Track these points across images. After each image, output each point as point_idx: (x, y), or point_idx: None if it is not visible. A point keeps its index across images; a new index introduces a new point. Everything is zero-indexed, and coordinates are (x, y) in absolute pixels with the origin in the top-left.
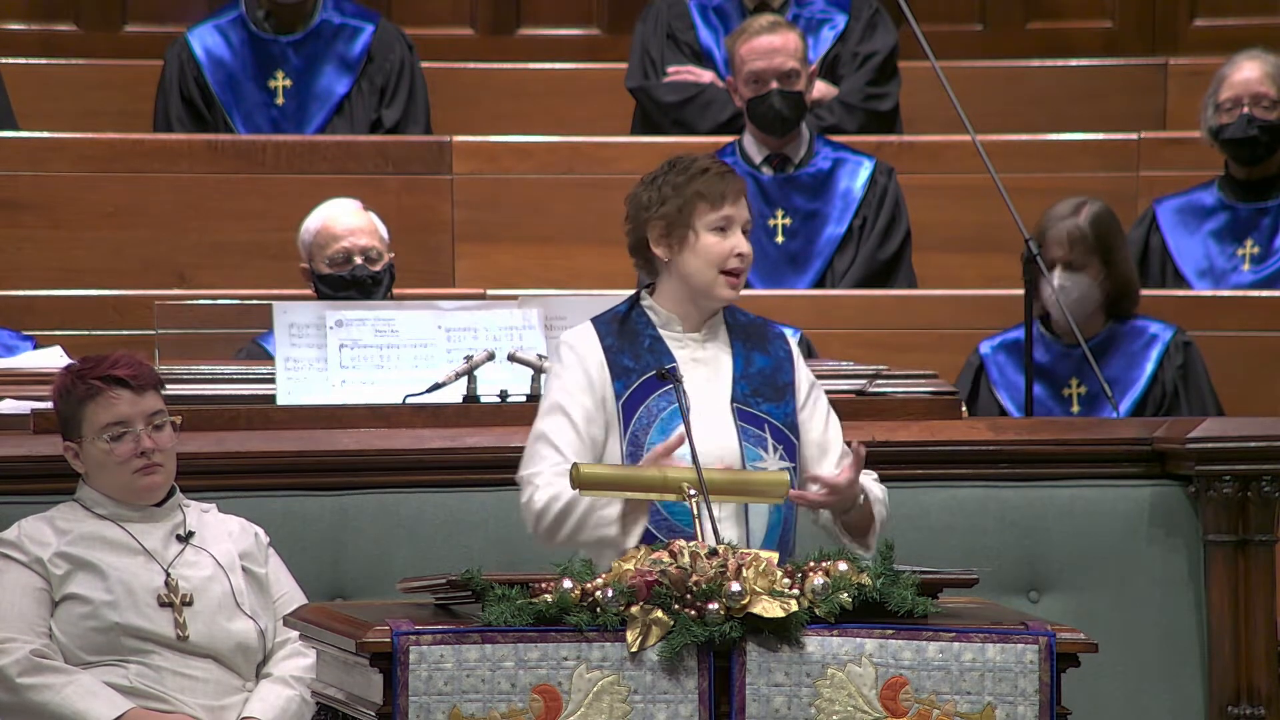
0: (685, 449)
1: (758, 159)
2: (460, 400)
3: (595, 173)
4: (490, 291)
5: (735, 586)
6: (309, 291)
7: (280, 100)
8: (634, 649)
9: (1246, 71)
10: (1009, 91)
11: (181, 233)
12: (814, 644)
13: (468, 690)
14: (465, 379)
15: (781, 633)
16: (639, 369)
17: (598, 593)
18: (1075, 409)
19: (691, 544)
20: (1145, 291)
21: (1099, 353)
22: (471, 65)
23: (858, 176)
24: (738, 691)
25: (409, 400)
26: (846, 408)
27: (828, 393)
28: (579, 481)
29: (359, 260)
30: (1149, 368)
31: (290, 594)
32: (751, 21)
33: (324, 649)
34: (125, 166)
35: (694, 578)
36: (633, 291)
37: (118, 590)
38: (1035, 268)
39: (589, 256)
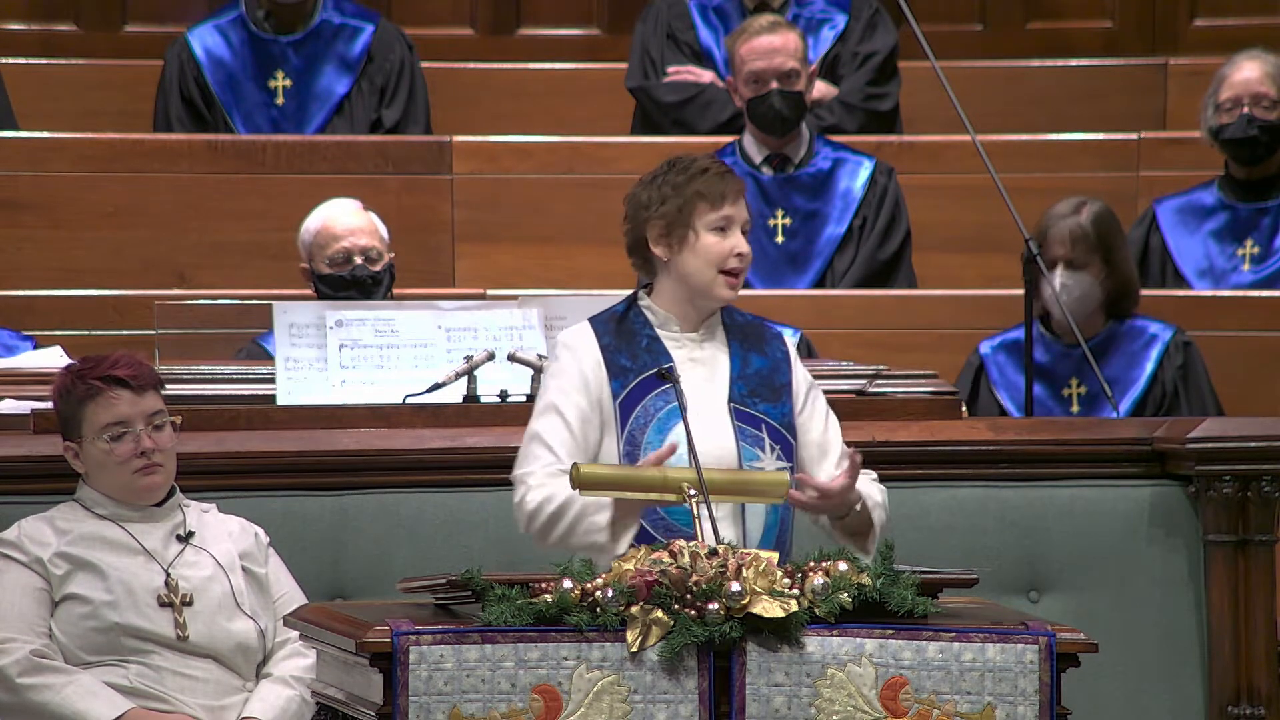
0: (684, 449)
1: (758, 159)
2: (460, 400)
3: (595, 173)
4: (490, 291)
5: (735, 586)
6: (309, 291)
7: (280, 100)
8: (634, 649)
9: (1246, 71)
10: (1009, 91)
11: (181, 233)
12: (814, 644)
13: (468, 690)
14: (465, 379)
15: (781, 633)
16: (636, 368)
17: (598, 593)
18: (1075, 409)
19: (691, 544)
20: (1145, 291)
21: (1099, 353)
22: (471, 65)
23: (858, 176)
24: (738, 691)
25: (409, 400)
26: (846, 408)
27: (828, 393)
28: (579, 481)
29: (359, 260)
30: (1149, 368)
31: (290, 594)
32: (751, 21)
33: (324, 649)
34: (125, 166)
35: (694, 578)
36: (630, 291)
37: (118, 590)
38: (1035, 268)
39: (589, 256)
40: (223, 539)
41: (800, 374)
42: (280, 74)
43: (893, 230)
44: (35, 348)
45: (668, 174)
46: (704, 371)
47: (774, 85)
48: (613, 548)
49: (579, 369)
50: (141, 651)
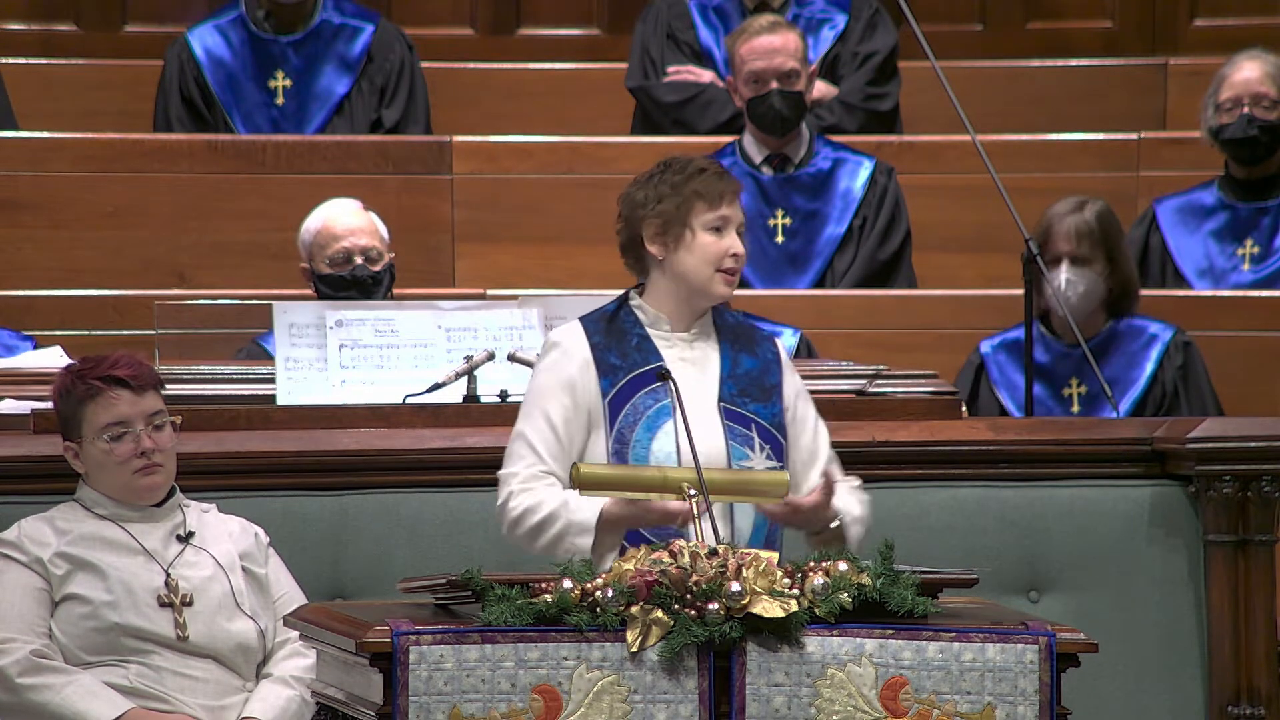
0: (689, 453)
1: (758, 159)
2: (460, 400)
3: (595, 173)
4: (490, 291)
5: (735, 586)
6: (309, 291)
7: (280, 100)
8: (634, 649)
9: (1246, 71)
10: (1009, 91)
11: (181, 233)
12: (814, 644)
13: (468, 690)
14: (465, 379)
15: (781, 633)
16: (626, 367)
17: (598, 593)
18: (1075, 409)
19: (691, 544)
20: (1145, 291)
21: (1099, 352)
22: (471, 65)
23: (858, 176)
24: (738, 691)
25: (409, 400)
26: (846, 408)
27: (828, 393)
28: (579, 481)
29: (359, 260)
30: (1149, 368)
31: (290, 594)
32: (751, 21)
33: (324, 649)
34: (125, 166)
35: (694, 578)
36: (622, 291)
37: (118, 590)
38: (1035, 268)
39: (589, 256)
40: (223, 539)
41: (791, 378)
42: (280, 74)
43: (893, 230)
44: (35, 348)
45: (664, 173)
46: (694, 371)
47: (774, 85)
48: (596, 565)
49: (566, 368)
50: (141, 651)
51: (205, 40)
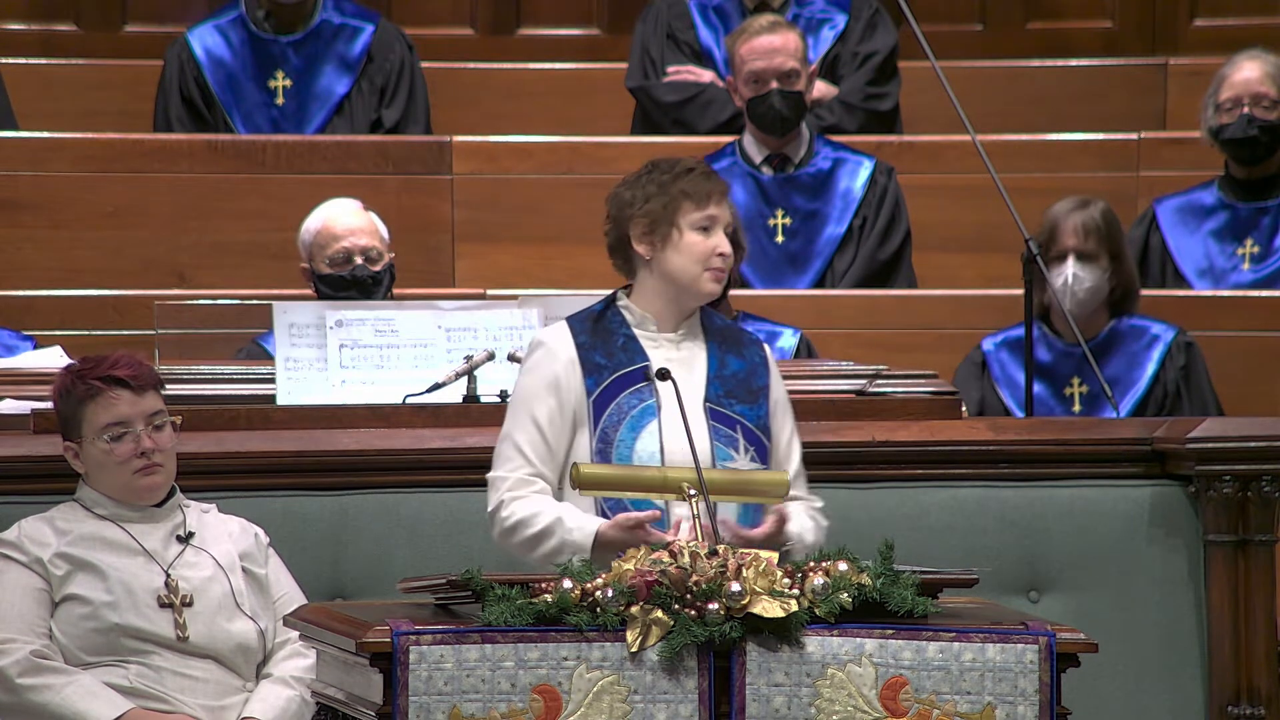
0: (672, 453)
1: (758, 159)
2: (460, 400)
3: (595, 173)
4: (490, 291)
5: (735, 586)
6: (309, 291)
7: (280, 100)
8: (634, 649)
9: (1246, 71)
10: (1009, 91)
11: (181, 233)
12: (814, 644)
13: (468, 690)
14: (465, 379)
15: (781, 633)
16: (611, 367)
17: (598, 593)
18: (1076, 408)
19: (691, 544)
20: (1145, 291)
21: (1101, 352)
22: (471, 65)
23: (858, 176)
24: (738, 691)
25: (409, 400)
26: (846, 408)
27: (828, 393)
28: (580, 481)
29: (359, 260)
30: (1151, 368)
31: (290, 594)
32: (751, 21)
33: (324, 649)
34: (125, 166)
35: (694, 578)
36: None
37: (118, 591)
38: (1035, 267)
39: (589, 256)
40: (223, 539)
41: (778, 386)
42: (280, 74)
43: (893, 230)
44: (35, 348)
45: (651, 173)
46: (681, 371)
47: (774, 85)
48: None
49: (551, 368)
50: (141, 652)
51: (205, 40)
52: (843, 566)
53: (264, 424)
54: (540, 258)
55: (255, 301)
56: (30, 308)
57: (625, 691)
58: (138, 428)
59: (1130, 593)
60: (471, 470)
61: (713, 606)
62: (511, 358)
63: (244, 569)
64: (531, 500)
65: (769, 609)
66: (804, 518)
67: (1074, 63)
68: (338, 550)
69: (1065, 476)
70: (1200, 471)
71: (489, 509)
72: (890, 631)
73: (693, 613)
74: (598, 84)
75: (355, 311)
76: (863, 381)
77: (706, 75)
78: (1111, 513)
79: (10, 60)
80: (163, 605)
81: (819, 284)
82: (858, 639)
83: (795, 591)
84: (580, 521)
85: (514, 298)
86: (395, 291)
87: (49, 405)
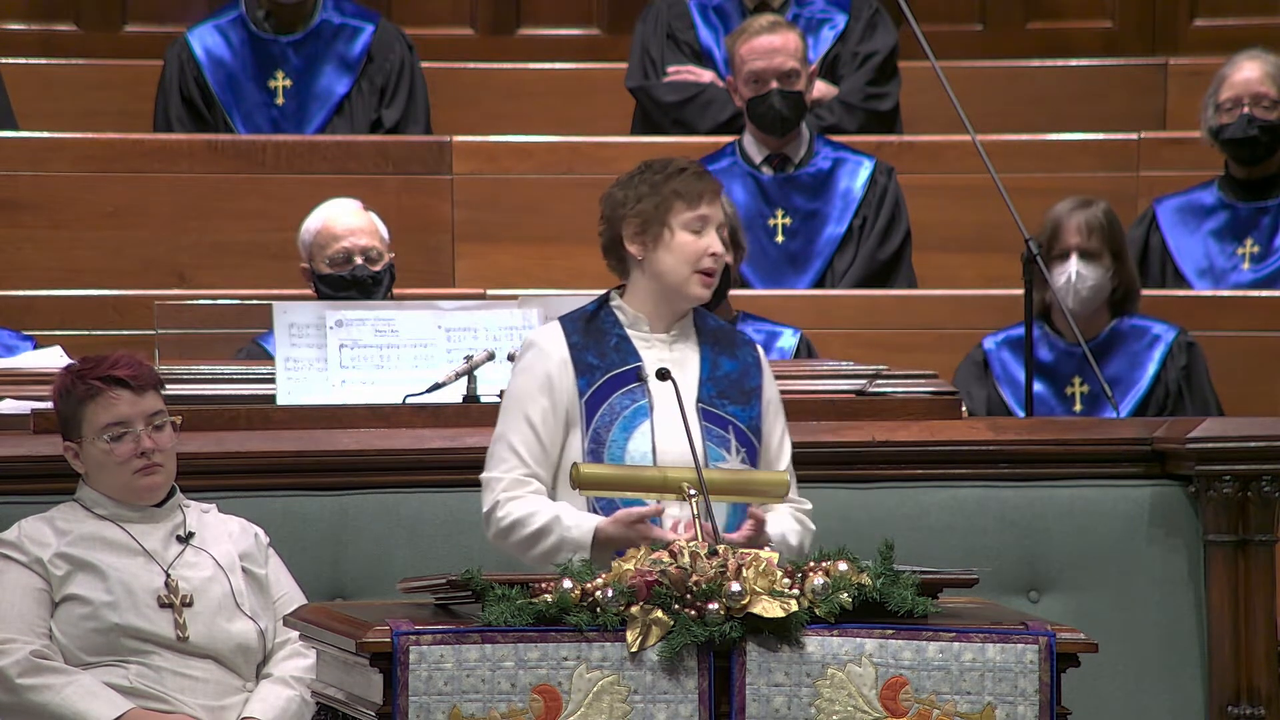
0: (664, 453)
1: (758, 159)
2: (460, 400)
3: (595, 173)
4: (490, 291)
5: (735, 586)
6: (309, 291)
7: (280, 100)
8: (634, 649)
9: (1246, 71)
10: (1009, 91)
11: (181, 233)
12: (814, 644)
13: (468, 690)
14: (465, 379)
15: (781, 633)
16: (603, 367)
17: (598, 593)
18: (1078, 408)
19: (691, 544)
20: (1145, 291)
21: (1102, 352)
22: (471, 65)
23: (858, 176)
24: (738, 691)
25: (409, 400)
26: (846, 408)
27: (828, 393)
28: (580, 481)
29: (359, 260)
30: (1152, 368)
31: (290, 594)
32: (751, 21)
33: (324, 649)
34: (125, 166)
35: (694, 578)
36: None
37: (118, 591)
38: (1035, 267)
39: (589, 256)
40: (223, 539)
41: (770, 386)
42: (280, 74)
43: (893, 230)
44: (35, 348)
45: (644, 173)
46: (673, 372)
47: (774, 85)
48: None
49: (544, 368)
50: (141, 652)
51: (205, 40)
52: (843, 566)
53: (264, 424)
54: (540, 258)
55: (255, 301)
56: (30, 308)
57: (625, 691)
58: (138, 428)
59: (1130, 593)
60: (471, 470)
61: (713, 606)
62: (511, 358)
63: (244, 569)
64: (527, 500)
65: (769, 609)
66: (788, 520)
67: (1074, 63)
68: (338, 550)
69: (1065, 476)
70: (1200, 471)
71: (484, 510)
72: (890, 631)
73: (693, 613)
74: (598, 84)
75: (355, 311)
76: (863, 381)
77: (706, 75)
78: (1111, 513)
79: (10, 60)
80: (163, 605)
81: (819, 284)
82: (858, 639)
83: (795, 591)
84: (578, 519)
85: (514, 298)
86: (395, 291)
87: (49, 405)
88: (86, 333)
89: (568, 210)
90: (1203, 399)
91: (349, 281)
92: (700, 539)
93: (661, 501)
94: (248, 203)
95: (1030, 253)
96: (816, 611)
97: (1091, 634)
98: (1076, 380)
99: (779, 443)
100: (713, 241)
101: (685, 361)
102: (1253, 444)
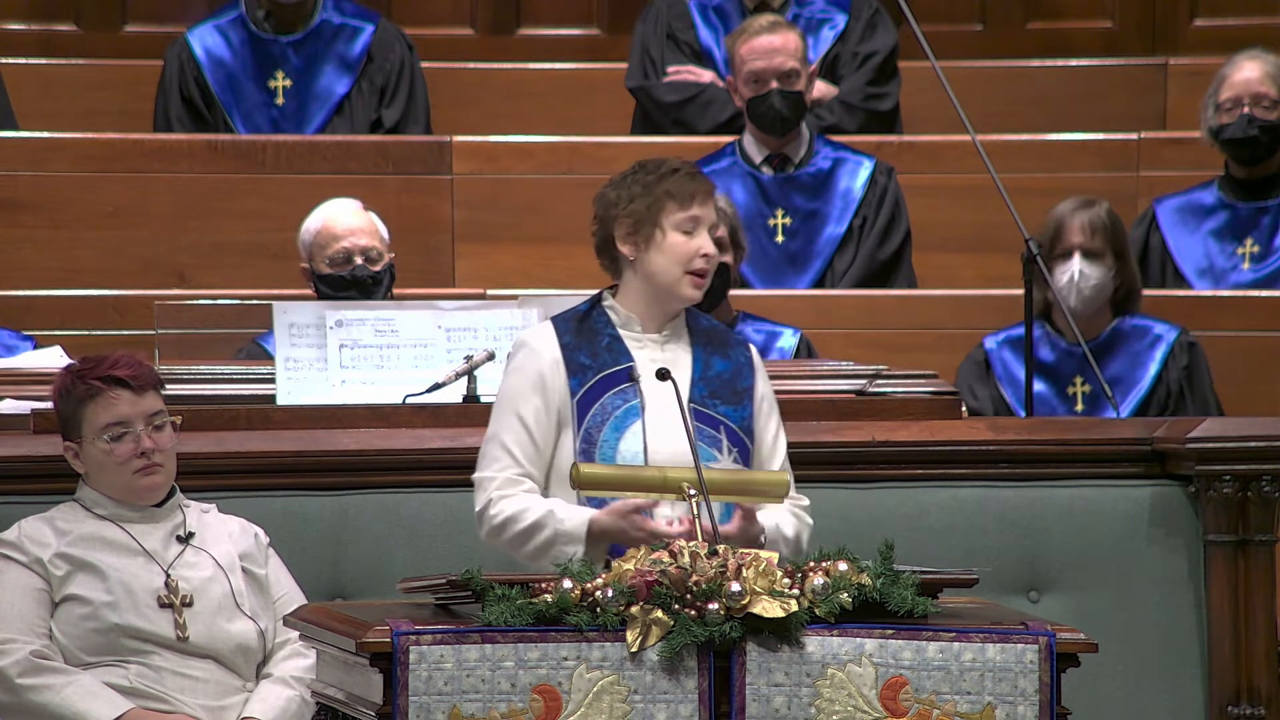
0: (656, 453)
1: (758, 159)
2: (460, 400)
3: (595, 173)
4: (490, 291)
5: (735, 586)
6: (309, 291)
7: (280, 100)
8: (634, 649)
9: (1246, 71)
10: (1009, 91)
11: (181, 233)
12: (814, 644)
13: (468, 690)
14: (465, 379)
15: (781, 633)
16: (595, 367)
17: (598, 593)
18: (1079, 407)
19: (691, 544)
20: (1146, 291)
21: (1104, 351)
22: (471, 65)
23: (858, 176)
24: (738, 691)
25: (409, 400)
26: (846, 408)
27: (828, 393)
28: (580, 481)
29: (359, 260)
30: (1154, 368)
31: (290, 594)
32: (751, 21)
33: (324, 649)
34: (125, 166)
35: (694, 578)
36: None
37: (118, 591)
38: (1035, 267)
39: (589, 256)
40: (223, 540)
41: (763, 385)
42: (280, 74)
43: (893, 230)
44: (35, 348)
45: (637, 174)
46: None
47: (774, 85)
48: None
49: (536, 368)
50: (141, 652)
51: (205, 40)
52: (843, 566)
53: (264, 424)
54: (540, 258)
55: (255, 301)
56: (30, 308)
57: (625, 691)
58: (138, 428)
59: (1130, 593)
60: (471, 470)
61: (713, 606)
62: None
63: (244, 569)
64: (520, 497)
65: (769, 609)
66: (783, 512)
67: (1074, 63)
68: (338, 550)
69: (1065, 476)
70: (1200, 471)
71: (476, 509)
72: (890, 631)
73: (693, 613)
74: (598, 84)
75: (355, 311)
76: (863, 381)
77: (706, 75)
78: (1111, 513)
79: (10, 60)
80: (163, 605)
81: (819, 284)
82: (858, 639)
83: (795, 591)
84: (571, 512)
85: (514, 298)
86: (395, 291)
87: (49, 405)
88: (86, 333)
89: (568, 210)
90: (1204, 399)
91: (349, 281)
92: (700, 539)
93: (660, 501)
94: (248, 203)
95: (1030, 253)
96: (816, 611)
97: (1091, 634)
98: (1078, 380)
99: (773, 440)
100: (704, 243)
101: (677, 362)
102: (1253, 444)
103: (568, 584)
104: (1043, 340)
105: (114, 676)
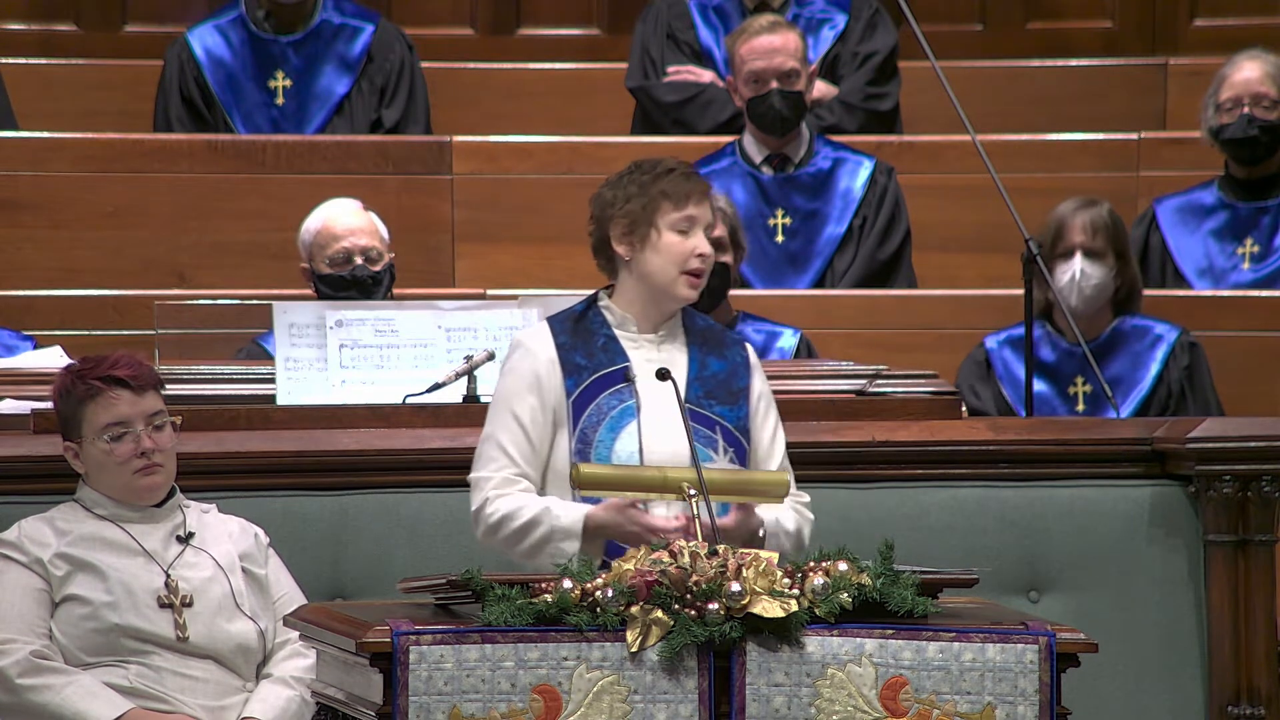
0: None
1: (758, 159)
2: (460, 400)
3: (595, 173)
4: (490, 291)
5: (735, 586)
6: (309, 291)
7: (280, 100)
8: (634, 649)
9: (1247, 71)
10: (1009, 91)
11: (181, 233)
12: (814, 644)
13: (468, 690)
14: (465, 379)
15: (781, 633)
16: (591, 367)
17: (598, 593)
18: (1081, 407)
19: (691, 544)
20: (1146, 291)
21: (1105, 351)
22: (471, 65)
23: (858, 176)
24: (738, 691)
25: (409, 400)
26: (846, 408)
27: (828, 393)
28: (580, 481)
29: (359, 260)
30: (1155, 368)
31: (290, 594)
32: (751, 21)
33: (324, 649)
34: (125, 166)
35: (694, 578)
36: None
37: (118, 591)
38: (1035, 267)
39: (589, 257)
40: (223, 540)
41: (759, 383)
42: (280, 74)
43: (892, 230)
44: (35, 348)
45: (633, 174)
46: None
47: (774, 85)
48: None
49: (531, 368)
50: (141, 652)
51: (205, 40)
52: (843, 566)
53: (264, 424)
54: (540, 258)
55: (255, 301)
56: (30, 308)
57: (625, 691)
58: (138, 428)
59: (1130, 593)
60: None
61: (713, 606)
62: None
63: (244, 569)
64: (515, 496)
65: (769, 609)
66: (782, 506)
67: (1074, 63)
68: (338, 550)
69: (1065, 476)
70: (1200, 471)
71: (473, 508)
72: (890, 631)
73: (693, 613)
74: (598, 84)
75: (355, 311)
76: (863, 381)
77: (706, 75)
78: (1111, 513)
79: (10, 60)
80: (162, 605)
81: (819, 284)
82: (858, 639)
83: (795, 591)
84: (567, 507)
85: (514, 298)
86: (395, 291)
87: (49, 405)
88: (86, 333)
89: (568, 210)
90: (1205, 399)
91: (349, 281)
92: (700, 539)
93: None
94: (248, 203)
95: (1030, 253)
96: (816, 611)
97: (1091, 634)
98: (1079, 380)
99: (771, 438)
100: (700, 242)
101: (673, 362)
102: (1253, 444)
103: (568, 584)
104: (1044, 340)
105: (114, 676)
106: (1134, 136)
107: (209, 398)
